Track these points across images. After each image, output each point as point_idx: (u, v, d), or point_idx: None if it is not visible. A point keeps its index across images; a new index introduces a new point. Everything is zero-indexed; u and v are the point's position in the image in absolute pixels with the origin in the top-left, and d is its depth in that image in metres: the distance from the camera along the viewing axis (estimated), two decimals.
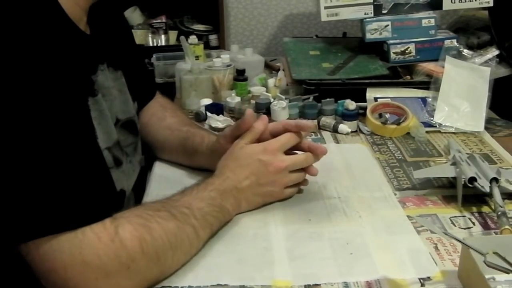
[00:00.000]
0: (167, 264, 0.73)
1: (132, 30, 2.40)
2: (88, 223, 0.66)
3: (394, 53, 1.47)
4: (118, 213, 0.72)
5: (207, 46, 2.30)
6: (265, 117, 0.95)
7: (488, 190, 0.89)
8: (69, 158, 0.67)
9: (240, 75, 1.47)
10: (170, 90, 1.56)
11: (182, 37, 1.57)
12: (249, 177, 0.88)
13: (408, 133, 1.23)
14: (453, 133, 1.24)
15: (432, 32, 1.49)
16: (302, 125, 0.92)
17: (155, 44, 2.40)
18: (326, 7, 1.53)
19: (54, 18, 0.72)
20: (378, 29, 1.50)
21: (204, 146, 1.02)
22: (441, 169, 1.00)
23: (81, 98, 0.75)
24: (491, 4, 1.50)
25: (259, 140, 0.92)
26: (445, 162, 1.05)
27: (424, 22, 1.49)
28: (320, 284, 0.73)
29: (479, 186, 0.90)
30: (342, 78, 1.41)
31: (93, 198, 0.69)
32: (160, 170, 1.08)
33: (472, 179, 0.90)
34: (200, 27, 2.50)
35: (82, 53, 0.77)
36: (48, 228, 0.64)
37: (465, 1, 1.52)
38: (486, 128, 1.25)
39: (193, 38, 1.68)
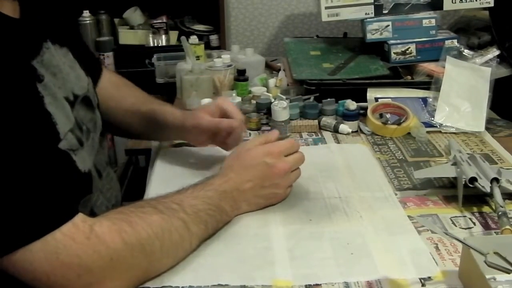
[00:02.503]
0: (155, 255, 0.72)
1: (133, 31, 2.45)
2: (56, 227, 0.65)
3: (394, 53, 1.47)
4: (100, 214, 0.72)
5: (207, 46, 2.30)
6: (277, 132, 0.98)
7: (488, 190, 0.89)
8: (26, 164, 0.65)
9: (240, 75, 1.47)
10: (170, 90, 1.56)
11: (183, 37, 1.56)
12: (253, 179, 0.88)
13: (408, 133, 1.23)
14: (454, 133, 1.24)
15: (433, 32, 1.49)
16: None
17: (155, 44, 2.40)
18: (326, 7, 1.53)
19: None
20: (378, 29, 1.50)
21: (169, 124, 1.03)
22: (442, 169, 1.00)
23: (28, 87, 0.71)
24: (492, 4, 1.50)
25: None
26: (446, 162, 1.05)
27: (425, 22, 1.49)
28: (320, 284, 0.73)
29: (480, 186, 0.90)
30: (343, 78, 1.41)
31: (57, 200, 0.67)
32: (160, 169, 1.08)
33: (473, 179, 0.90)
34: (200, 27, 2.49)
35: (13, 40, 0.72)
36: (14, 243, 0.64)
37: (466, 1, 1.52)
38: (486, 128, 1.25)
39: (193, 38, 1.68)
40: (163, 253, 0.74)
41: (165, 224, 0.74)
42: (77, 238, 0.66)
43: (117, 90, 1.11)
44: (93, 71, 1.06)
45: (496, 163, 1.09)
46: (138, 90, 1.15)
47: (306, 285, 0.73)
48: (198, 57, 1.55)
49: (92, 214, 0.87)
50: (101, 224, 0.69)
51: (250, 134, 1.26)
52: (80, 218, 0.68)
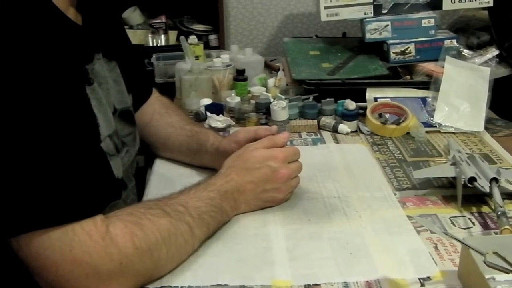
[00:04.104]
0: (161, 259, 0.73)
1: (132, 30, 2.45)
2: (79, 219, 0.66)
3: (394, 53, 1.47)
4: (110, 212, 0.73)
5: (207, 46, 2.30)
6: (287, 133, 0.96)
7: (488, 190, 0.89)
8: (67, 152, 0.67)
9: (240, 75, 1.47)
10: (170, 90, 1.56)
11: (182, 37, 1.57)
12: (254, 181, 0.88)
13: (408, 133, 1.23)
14: (453, 133, 1.24)
15: (432, 32, 1.49)
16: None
17: (155, 44, 2.40)
18: (326, 7, 1.53)
19: (40, 8, 0.71)
20: (378, 29, 1.50)
21: (209, 145, 1.03)
22: (441, 169, 1.00)
23: (79, 87, 0.75)
24: (491, 4, 1.50)
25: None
26: (445, 162, 1.05)
27: (424, 22, 1.49)
28: (320, 284, 0.73)
29: (479, 186, 0.90)
30: (342, 78, 1.41)
31: (87, 194, 0.69)
32: (160, 169, 1.08)
33: (472, 179, 0.90)
34: (200, 27, 2.50)
35: (74, 42, 0.77)
36: (37, 223, 0.64)
37: (465, 1, 1.52)
38: (486, 128, 1.25)
39: (193, 38, 1.68)
40: (168, 259, 0.74)
41: (172, 229, 0.74)
42: (93, 235, 0.67)
43: (164, 108, 1.14)
44: (142, 90, 1.11)
45: (495, 163, 1.09)
46: (186, 114, 1.19)
47: (305, 285, 0.73)
48: (197, 57, 1.55)
49: None
50: (115, 225, 0.70)
51: None
52: (100, 217, 0.69)
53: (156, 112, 1.12)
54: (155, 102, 1.14)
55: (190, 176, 1.03)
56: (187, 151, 1.07)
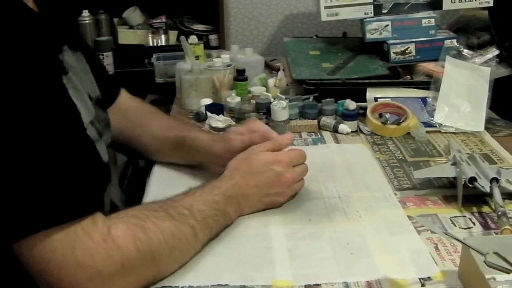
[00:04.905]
0: (164, 263, 0.73)
1: (132, 30, 2.45)
2: (80, 216, 0.66)
3: (394, 53, 1.47)
4: (113, 214, 0.72)
5: (207, 46, 2.30)
6: (291, 134, 0.95)
7: (488, 190, 0.89)
8: (58, 149, 0.66)
9: (240, 75, 1.47)
10: (170, 90, 1.56)
11: (182, 37, 1.57)
12: (258, 185, 0.88)
13: (408, 133, 1.23)
14: (453, 133, 1.24)
15: (432, 32, 1.49)
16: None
17: (155, 44, 2.40)
18: (326, 7, 1.53)
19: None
20: (378, 29, 1.50)
21: (196, 151, 1.01)
22: (441, 169, 1.00)
23: (56, 77, 0.73)
24: (491, 4, 1.50)
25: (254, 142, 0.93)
26: (446, 162, 1.05)
27: (424, 22, 1.49)
28: (320, 284, 0.73)
29: (479, 186, 0.90)
30: (342, 78, 1.41)
31: (85, 188, 0.68)
32: (160, 170, 1.08)
33: (472, 179, 0.90)
34: (200, 27, 2.50)
35: (43, 34, 0.74)
36: (39, 224, 0.64)
37: (465, 1, 1.52)
38: (486, 128, 1.25)
39: (193, 38, 1.68)
40: (171, 261, 0.74)
41: (176, 232, 0.74)
42: (94, 237, 0.66)
43: (141, 117, 1.10)
44: (109, 89, 1.06)
45: (496, 163, 1.09)
46: (163, 116, 1.14)
47: (306, 285, 0.73)
48: (197, 57, 1.55)
49: (113, 205, 0.89)
50: (117, 227, 0.69)
51: None
52: (100, 218, 0.69)
53: (135, 125, 1.08)
54: (130, 112, 1.10)
55: (190, 176, 1.03)
56: (179, 157, 1.06)
